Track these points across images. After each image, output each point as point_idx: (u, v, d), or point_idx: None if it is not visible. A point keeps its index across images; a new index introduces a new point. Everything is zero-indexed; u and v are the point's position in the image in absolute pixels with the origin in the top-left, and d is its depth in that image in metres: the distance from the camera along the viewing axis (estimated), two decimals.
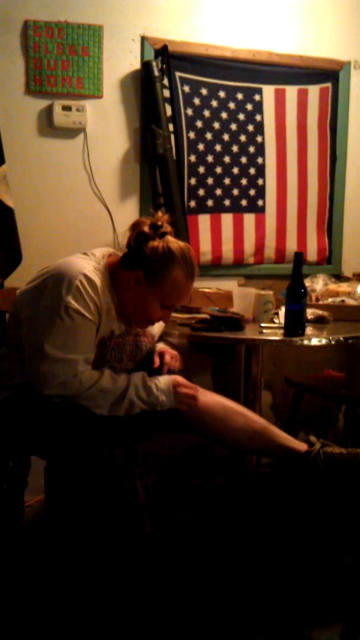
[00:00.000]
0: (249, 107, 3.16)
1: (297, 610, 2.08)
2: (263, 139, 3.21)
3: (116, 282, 1.99)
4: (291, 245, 3.31)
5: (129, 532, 2.45)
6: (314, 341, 2.27)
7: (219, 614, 2.05)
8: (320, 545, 2.47)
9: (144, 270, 1.94)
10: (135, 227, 2.00)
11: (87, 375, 1.89)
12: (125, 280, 1.97)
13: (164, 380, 1.99)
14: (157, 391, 1.96)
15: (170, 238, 1.99)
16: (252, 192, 3.23)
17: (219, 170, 3.14)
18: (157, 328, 2.27)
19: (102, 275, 1.94)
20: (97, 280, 1.90)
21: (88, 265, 1.93)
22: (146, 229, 1.97)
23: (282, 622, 2.03)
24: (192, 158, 3.08)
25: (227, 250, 3.20)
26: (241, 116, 3.15)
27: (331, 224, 3.42)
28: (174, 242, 1.98)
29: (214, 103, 3.09)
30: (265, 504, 2.76)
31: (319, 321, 2.57)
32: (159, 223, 1.99)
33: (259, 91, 3.18)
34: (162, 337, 2.39)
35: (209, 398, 2.08)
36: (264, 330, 2.37)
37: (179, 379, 2.02)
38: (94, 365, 1.95)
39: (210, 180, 3.13)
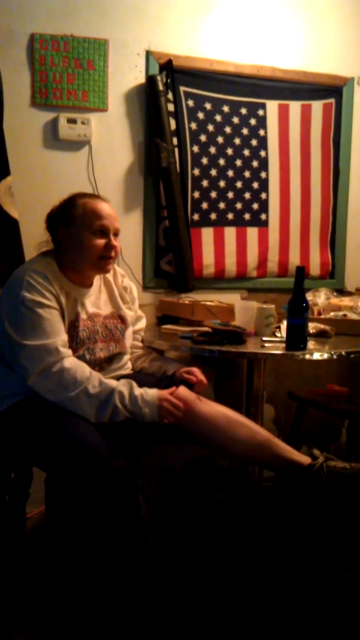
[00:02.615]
0: (253, 122, 3.18)
1: (298, 625, 2.07)
2: (266, 153, 3.23)
3: (64, 267, 2.11)
4: (294, 259, 3.32)
5: (130, 545, 2.44)
6: (316, 355, 2.27)
7: (219, 629, 2.04)
8: (321, 559, 2.46)
9: (60, 223, 2.11)
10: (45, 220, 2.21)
11: (69, 365, 1.94)
12: (61, 250, 2.13)
13: (151, 393, 2.01)
14: (142, 402, 1.97)
15: None
16: (255, 206, 3.24)
17: (222, 184, 3.16)
18: (131, 317, 2.34)
19: (50, 265, 2.08)
20: (46, 270, 2.03)
21: (33, 264, 2.07)
22: (50, 210, 2.19)
23: (283, 637, 2.01)
24: (196, 172, 3.10)
25: (230, 264, 3.20)
26: (245, 131, 3.17)
27: (334, 239, 3.43)
28: None
29: (218, 117, 3.11)
30: (266, 518, 2.75)
31: (320, 335, 2.57)
32: None
33: (263, 106, 3.20)
34: (166, 358, 2.42)
35: (213, 408, 2.09)
36: (266, 344, 2.37)
37: (168, 396, 2.03)
38: (70, 347, 2.03)
39: (213, 194, 3.15)
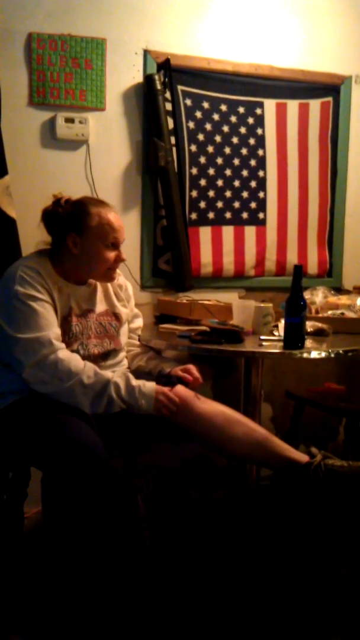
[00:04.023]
0: (251, 120, 3.18)
1: (296, 623, 2.07)
2: (264, 152, 3.23)
3: (60, 267, 2.13)
4: (292, 258, 3.32)
5: (128, 544, 2.44)
6: (314, 354, 2.27)
7: (217, 627, 2.04)
8: (318, 558, 2.47)
9: (72, 230, 2.10)
10: (42, 216, 2.18)
11: (63, 356, 1.95)
12: (67, 254, 2.13)
13: (149, 386, 2.02)
14: (139, 394, 1.99)
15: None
16: (253, 205, 3.24)
17: (220, 183, 3.16)
18: (126, 314, 2.35)
19: (43, 262, 2.10)
20: (38, 266, 2.06)
21: (26, 260, 2.10)
22: (49, 207, 2.16)
23: (281, 635, 2.02)
24: (194, 171, 3.09)
25: (228, 263, 3.21)
26: (242, 130, 3.17)
27: (332, 237, 3.43)
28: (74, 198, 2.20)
29: (216, 116, 3.11)
30: (264, 517, 2.75)
31: (318, 334, 2.57)
32: (58, 196, 2.19)
33: (261, 105, 3.20)
34: (163, 357, 2.41)
35: (211, 407, 2.09)
36: (264, 343, 2.37)
37: (165, 390, 2.04)
38: (63, 340, 2.04)
39: (211, 193, 3.15)
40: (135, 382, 2.01)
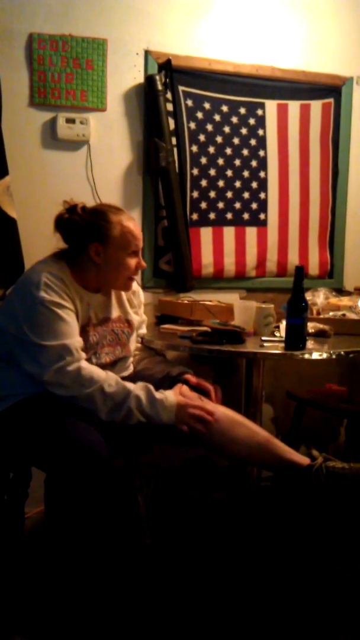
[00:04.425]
0: (252, 121, 3.17)
1: (297, 625, 2.07)
2: (265, 153, 3.23)
3: (80, 275, 2.10)
4: (293, 259, 3.32)
5: (128, 544, 2.44)
6: (315, 355, 2.27)
7: (217, 629, 2.04)
8: (320, 560, 2.46)
9: (94, 239, 2.08)
10: (57, 223, 2.13)
11: (85, 365, 1.95)
12: (87, 262, 2.10)
13: (171, 399, 2.01)
14: (160, 407, 1.98)
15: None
16: (254, 205, 3.23)
17: (221, 183, 3.15)
18: (137, 321, 2.35)
19: (63, 269, 2.07)
20: (61, 274, 2.03)
21: (47, 266, 2.05)
22: (65, 215, 2.11)
23: (282, 636, 2.01)
24: (195, 171, 3.09)
25: (229, 263, 3.20)
26: (244, 130, 3.16)
27: (333, 238, 3.43)
28: (88, 205, 2.16)
29: (217, 117, 3.10)
30: (265, 518, 2.75)
31: (320, 335, 2.57)
32: (71, 203, 2.13)
33: (262, 106, 3.19)
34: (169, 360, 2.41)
35: (213, 408, 2.08)
36: (265, 344, 2.37)
37: (189, 402, 2.03)
38: None
39: (212, 194, 3.14)
40: (157, 394, 2.00)
